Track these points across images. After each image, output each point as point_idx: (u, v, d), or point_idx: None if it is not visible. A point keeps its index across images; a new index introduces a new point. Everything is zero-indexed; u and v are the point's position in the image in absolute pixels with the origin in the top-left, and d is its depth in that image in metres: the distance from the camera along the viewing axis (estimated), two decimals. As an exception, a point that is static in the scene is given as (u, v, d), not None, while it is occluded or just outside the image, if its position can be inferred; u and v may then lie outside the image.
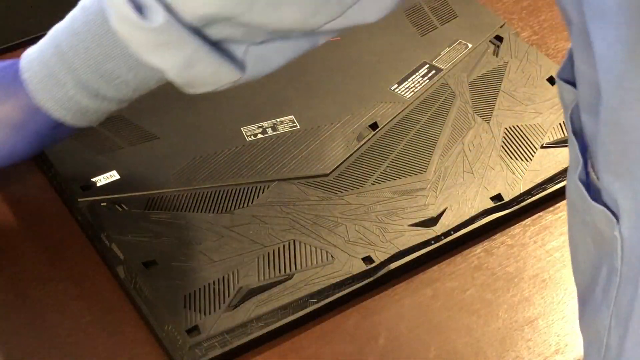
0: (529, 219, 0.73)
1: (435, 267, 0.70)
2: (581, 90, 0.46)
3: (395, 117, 0.78)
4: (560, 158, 0.75)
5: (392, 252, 0.68)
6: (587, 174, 0.47)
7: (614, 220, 0.45)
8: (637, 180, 0.43)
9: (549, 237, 0.72)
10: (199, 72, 0.58)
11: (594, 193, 0.46)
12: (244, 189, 0.72)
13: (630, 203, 0.43)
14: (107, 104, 0.63)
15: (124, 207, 0.69)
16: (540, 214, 0.74)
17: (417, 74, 0.81)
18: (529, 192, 0.73)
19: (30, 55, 0.64)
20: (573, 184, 0.47)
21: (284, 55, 0.60)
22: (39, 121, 0.64)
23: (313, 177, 0.73)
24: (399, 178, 0.73)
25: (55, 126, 0.64)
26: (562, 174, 0.74)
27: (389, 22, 0.87)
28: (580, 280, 0.51)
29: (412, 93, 0.80)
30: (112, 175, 0.72)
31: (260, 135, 0.76)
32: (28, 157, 0.66)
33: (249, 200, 0.71)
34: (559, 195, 0.74)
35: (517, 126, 0.77)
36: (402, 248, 0.68)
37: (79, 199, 0.70)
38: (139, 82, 0.61)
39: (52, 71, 0.62)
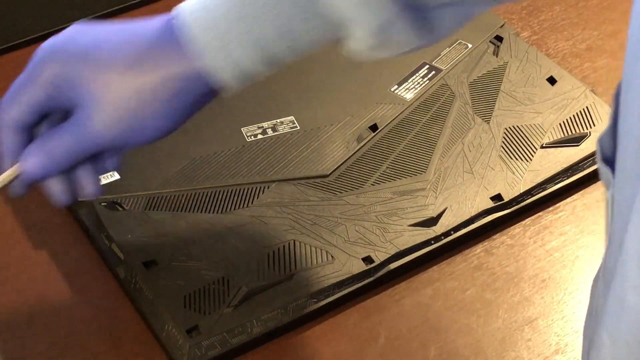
0: (529, 219, 0.73)
1: (435, 267, 0.70)
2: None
3: (395, 118, 0.78)
4: (560, 158, 0.75)
5: (392, 252, 0.68)
6: None
7: None
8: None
9: (549, 237, 0.72)
10: (392, 34, 0.53)
11: None
12: (244, 189, 0.72)
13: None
14: (269, 69, 0.55)
15: (124, 207, 0.70)
16: (540, 214, 0.74)
17: (417, 74, 0.81)
18: (529, 192, 0.73)
19: (193, 12, 0.53)
20: None
21: (460, 20, 0.56)
22: (196, 89, 0.55)
23: (313, 178, 0.73)
24: (399, 179, 0.73)
25: (206, 94, 0.56)
26: (562, 174, 0.74)
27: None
28: None
29: (412, 94, 0.80)
30: (112, 175, 0.72)
31: (260, 136, 0.76)
32: (168, 134, 0.57)
33: (249, 200, 0.71)
34: (559, 195, 0.74)
35: (517, 126, 0.77)
36: (402, 248, 0.68)
37: (79, 199, 0.70)
38: (313, 40, 0.55)
39: (226, 28, 0.52)
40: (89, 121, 0.54)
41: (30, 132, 0.57)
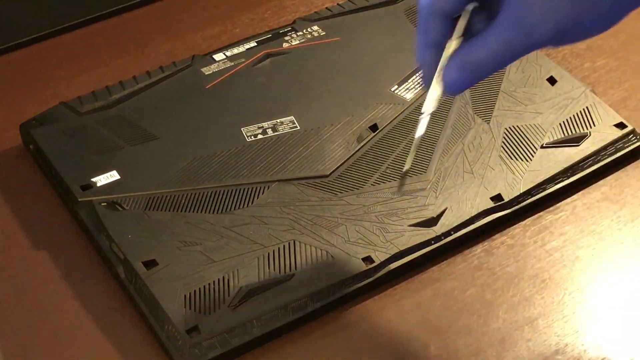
0: (529, 219, 0.73)
1: (435, 267, 0.70)
2: None
3: (395, 118, 0.78)
4: (560, 158, 0.75)
5: (392, 252, 0.68)
6: None
7: None
8: None
9: (549, 237, 0.72)
10: None
11: None
12: (244, 189, 0.72)
13: None
14: None
15: (124, 207, 0.70)
16: (540, 214, 0.74)
17: (417, 75, 0.81)
18: (529, 192, 0.73)
19: None
20: None
21: None
22: None
23: (313, 178, 0.73)
24: (399, 178, 0.73)
25: None
26: (562, 174, 0.74)
27: (389, 22, 0.87)
28: None
29: (412, 94, 0.80)
30: (112, 175, 0.72)
31: (260, 136, 0.76)
32: (603, 31, 0.50)
33: (249, 200, 0.71)
34: (559, 195, 0.74)
35: (517, 126, 0.77)
36: (402, 248, 0.68)
37: (79, 199, 0.70)
38: None
39: None
40: (522, 13, 0.48)
41: (451, 23, 0.52)
